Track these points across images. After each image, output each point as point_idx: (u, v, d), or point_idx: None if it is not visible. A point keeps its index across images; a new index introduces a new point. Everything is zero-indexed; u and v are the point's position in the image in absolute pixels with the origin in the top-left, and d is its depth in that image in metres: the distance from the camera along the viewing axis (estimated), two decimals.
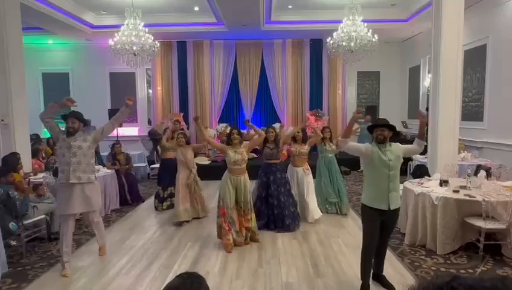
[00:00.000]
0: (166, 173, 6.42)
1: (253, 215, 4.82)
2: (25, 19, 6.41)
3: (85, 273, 4.01)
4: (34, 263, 4.24)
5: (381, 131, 3.31)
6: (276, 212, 5.22)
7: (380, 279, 3.56)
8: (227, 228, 4.58)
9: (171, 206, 6.20)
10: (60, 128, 4.17)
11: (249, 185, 4.76)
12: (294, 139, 5.73)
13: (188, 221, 5.70)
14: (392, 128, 3.35)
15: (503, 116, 6.68)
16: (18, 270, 4.06)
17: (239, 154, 4.60)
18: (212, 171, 8.18)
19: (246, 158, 4.67)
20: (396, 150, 3.36)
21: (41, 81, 11.58)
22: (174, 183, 5.86)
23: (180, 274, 1.21)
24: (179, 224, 5.57)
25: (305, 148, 5.69)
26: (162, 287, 1.19)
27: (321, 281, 3.74)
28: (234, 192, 4.63)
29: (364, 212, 3.41)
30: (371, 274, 3.47)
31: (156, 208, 6.48)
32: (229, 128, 10.66)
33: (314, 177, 5.97)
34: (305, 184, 5.61)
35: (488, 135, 7.15)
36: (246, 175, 4.73)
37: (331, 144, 6.13)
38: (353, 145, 3.49)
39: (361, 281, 3.43)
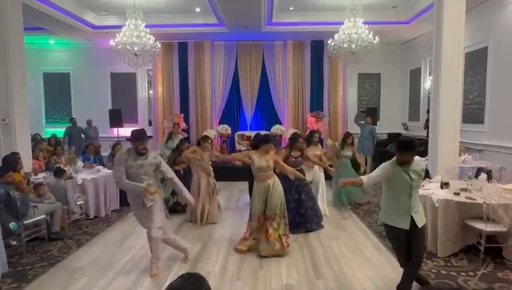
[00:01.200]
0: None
1: (282, 222, 4.48)
2: (26, 18, 6.42)
3: (85, 273, 4.00)
4: (34, 263, 4.23)
5: (406, 156, 3.09)
6: (297, 217, 5.26)
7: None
8: (247, 235, 4.56)
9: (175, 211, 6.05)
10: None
11: (279, 190, 4.48)
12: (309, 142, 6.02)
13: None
14: (416, 150, 3.14)
15: (504, 119, 6.68)
16: (18, 270, 4.05)
17: (264, 161, 4.42)
18: (228, 172, 8.16)
19: (272, 165, 4.47)
20: (417, 166, 3.20)
21: (42, 81, 11.60)
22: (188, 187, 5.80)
23: (182, 275, 1.21)
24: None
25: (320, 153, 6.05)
26: (164, 288, 1.19)
27: (321, 282, 3.73)
28: (263, 200, 4.43)
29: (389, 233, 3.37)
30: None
31: (177, 211, 6.14)
32: (229, 129, 10.77)
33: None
34: (320, 184, 6.04)
35: (489, 137, 7.15)
36: (274, 179, 4.51)
37: (348, 149, 6.61)
38: (374, 179, 3.30)
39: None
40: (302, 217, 5.28)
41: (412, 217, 3.16)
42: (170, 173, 4.02)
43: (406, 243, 3.25)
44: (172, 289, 1.15)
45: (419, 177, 3.19)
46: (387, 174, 3.19)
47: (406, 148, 3.10)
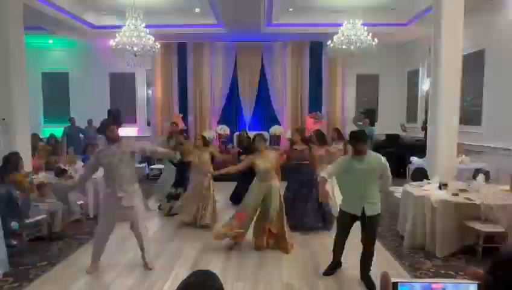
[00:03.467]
0: (182, 177, 6.17)
1: (284, 222, 4.58)
2: (25, 18, 6.40)
3: (86, 273, 4.01)
4: (35, 262, 4.24)
5: (360, 147, 3.50)
6: (297, 212, 5.19)
7: (366, 279, 3.70)
8: (240, 232, 4.51)
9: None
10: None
11: (278, 193, 4.56)
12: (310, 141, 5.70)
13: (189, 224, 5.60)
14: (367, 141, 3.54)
15: (501, 120, 6.75)
16: (19, 270, 4.06)
17: (268, 163, 4.46)
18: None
19: (275, 165, 4.53)
20: (372, 159, 3.53)
21: (41, 81, 11.56)
22: (185, 185, 5.76)
23: (193, 272, 1.24)
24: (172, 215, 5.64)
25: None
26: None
27: (321, 282, 3.76)
28: (259, 198, 4.49)
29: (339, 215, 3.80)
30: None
31: (160, 208, 6.34)
32: (228, 130, 10.80)
33: None
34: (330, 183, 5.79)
35: (486, 139, 7.21)
36: (276, 181, 4.56)
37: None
38: (332, 174, 3.78)
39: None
40: (307, 215, 5.22)
41: (363, 206, 3.49)
42: (152, 146, 4.25)
43: (348, 231, 3.70)
44: (186, 287, 1.17)
45: (373, 170, 3.51)
46: (342, 168, 3.62)
47: (358, 138, 3.52)
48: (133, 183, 4.01)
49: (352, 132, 3.71)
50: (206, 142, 5.84)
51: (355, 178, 3.53)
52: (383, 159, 3.57)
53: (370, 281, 3.62)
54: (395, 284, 0.52)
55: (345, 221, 3.69)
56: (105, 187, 4.01)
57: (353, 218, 3.62)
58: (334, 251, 3.91)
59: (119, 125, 4.05)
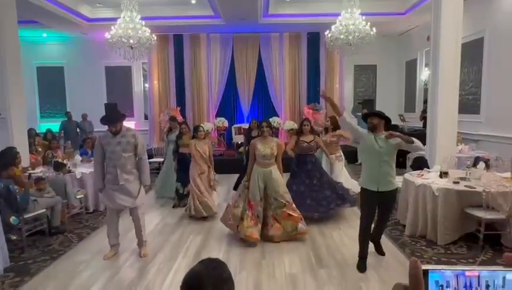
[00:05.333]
0: (183, 169, 5.97)
1: (293, 211, 4.56)
2: (19, 11, 6.30)
3: (89, 266, 4.00)
4: (35, 257, 4.22)
5: (370, 119, 3.67)
6: (308, 201, 5.20)
7: (376, 245, 4.08)
8: (253, 222, 4.46)
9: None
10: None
11: (280, 178, 4.58)
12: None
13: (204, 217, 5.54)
14: (382, 116, 3.67)
15: (500, 109, 6.75)
16: (20, 264, 4.04)
17: (268, 149, 4.47)
18: (226, 164, 8.21)
19: (275, 152, 4.52)
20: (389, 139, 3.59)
21: (36, 75, 11.45)
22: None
23: (202, 260, 1.21)
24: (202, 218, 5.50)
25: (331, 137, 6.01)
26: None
27: (324, 271, 3.77)
28: (263, 185, 4.50)
29: (361, 194, 3.79)
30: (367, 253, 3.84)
31: (174, 206, 6.19)
32: (226, 122, 10.74)
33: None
34: (337, 170, 5.98)
35: (485, 127, 7.22)
36: (275, 167, 4.57)
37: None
38: (353, 125, 3.83)
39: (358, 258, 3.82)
40: (320, 206, 5.21)
41: (380, 182, 3.61)
42: (143, 155, 4.17)
43: (374, 207, 3.74)
44: (194, 274, 1.15)
45: (388, 147, 3.57)
46: (361, 134, 3.70)
47: (372, 113, 3.72)
48: (134, 172, 4.10)
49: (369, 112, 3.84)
50: (203, 135, 5.79)
51: (373, 156, 3.61)
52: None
53: (380, 249, 4.09)
54: (425, 272, 0.49)
55: (368, 199, 3.71)
56: (106, 172, 4.08)
57: (373, 195, 3.65)
58: (362, 242, 3.79)
59: (123, 119, 4.09)
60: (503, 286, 0.52)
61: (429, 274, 0.52)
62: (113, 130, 3.97)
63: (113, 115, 4.04)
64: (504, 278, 0.52)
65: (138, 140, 4.09)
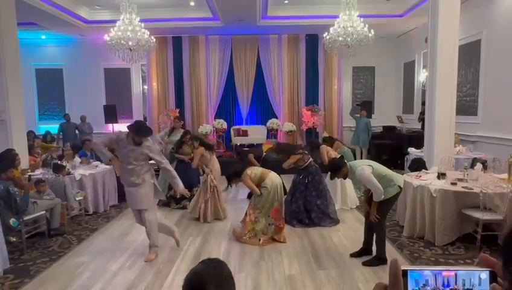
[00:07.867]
0: (182, 176, 6.15)
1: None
2: (18, 13, 6.31)
3: (88, 268, 4.01)
4: (35, 259, 4.23)
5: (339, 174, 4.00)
6: (301, 209, 5.30)
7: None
8: (282, 226, 4.67)
9: (183, 207, 6.11)
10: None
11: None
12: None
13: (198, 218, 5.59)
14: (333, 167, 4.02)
15: (497, 111, 6.78)
16: (19, 266, 4.04)
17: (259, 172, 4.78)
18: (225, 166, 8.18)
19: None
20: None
21: (35, 77, 11.44)
22: (190, 185, 5.75)
23: (203, 260, 1.24)
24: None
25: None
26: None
27: (323, 273, 3.79)
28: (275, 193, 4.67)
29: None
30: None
31: (169, 205, 6.29)
32: (225, 124, 10.75)
33: None
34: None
35: (482, 129, 7.25)
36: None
37: None
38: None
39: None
40: (308, 212, 5.29)
41: None
42: (164, 164, 4.18)
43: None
44: (195, 274, 1.17)
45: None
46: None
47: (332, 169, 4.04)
48: (144, 177, 4.11)
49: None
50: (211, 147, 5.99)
51: None
52: (357, 172, 3.81)
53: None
54: (404, 272, 0.52)
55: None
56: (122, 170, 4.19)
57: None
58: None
59: (151, 134, 4.18)
60: (479, 284, 0.56)
61: (409, 273, 0.56)
62: (137, 141, 4.01)
63: (146, 129, 4.09)
64: (479, 277, 0.56)
65: (152, 152, 4.09)
